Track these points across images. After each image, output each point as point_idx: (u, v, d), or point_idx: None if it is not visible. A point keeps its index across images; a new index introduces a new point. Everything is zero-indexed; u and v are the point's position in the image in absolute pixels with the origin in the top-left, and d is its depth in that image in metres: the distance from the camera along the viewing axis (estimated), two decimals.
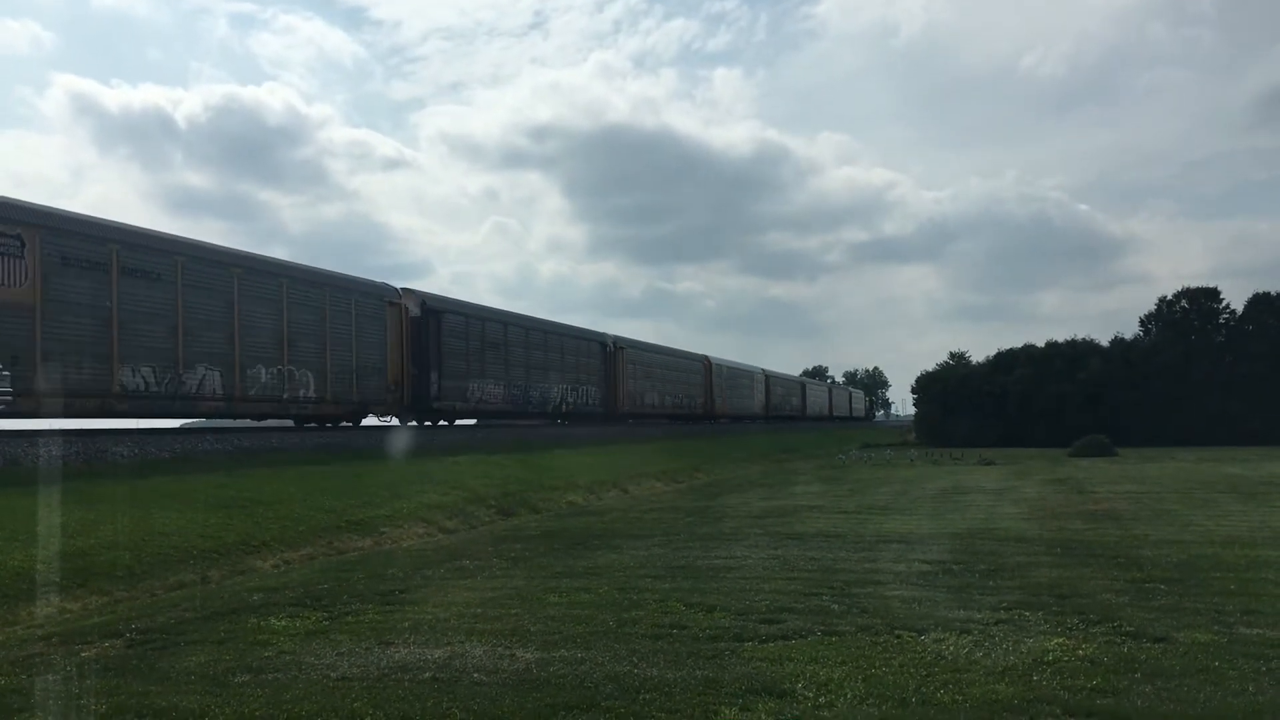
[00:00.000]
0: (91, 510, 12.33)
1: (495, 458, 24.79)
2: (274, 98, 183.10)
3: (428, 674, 6.24)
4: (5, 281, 15.98)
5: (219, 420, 23.45)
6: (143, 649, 7.15)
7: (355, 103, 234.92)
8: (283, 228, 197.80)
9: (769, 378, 69.33)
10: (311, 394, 23.02)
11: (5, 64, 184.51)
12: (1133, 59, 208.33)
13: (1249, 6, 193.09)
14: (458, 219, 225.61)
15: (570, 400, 38.02)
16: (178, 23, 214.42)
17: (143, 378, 18.45)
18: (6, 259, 16.05)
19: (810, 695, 5.62)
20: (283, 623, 7.96)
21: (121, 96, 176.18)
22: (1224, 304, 54.26)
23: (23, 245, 16.29)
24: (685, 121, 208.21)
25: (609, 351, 42.02)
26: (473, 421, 33.45)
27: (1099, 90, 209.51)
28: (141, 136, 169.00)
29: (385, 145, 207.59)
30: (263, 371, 21.39)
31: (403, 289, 27.77)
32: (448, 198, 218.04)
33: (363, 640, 7.24)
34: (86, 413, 17.99)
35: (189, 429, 24.45)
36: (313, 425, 24.88)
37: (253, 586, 9.98)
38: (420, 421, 29.41)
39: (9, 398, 15.92)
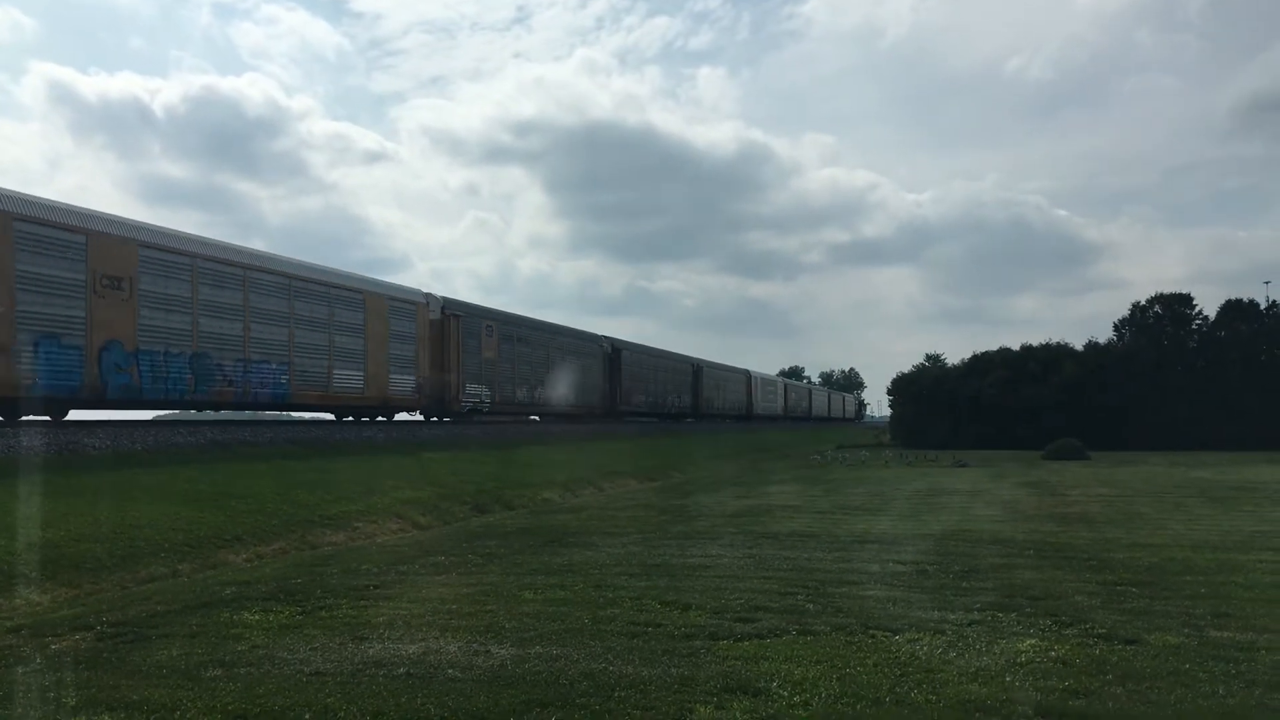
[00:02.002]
0: (62, 502, 12.21)
1: (470, 454, 24.73)
2: (254, 89, 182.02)
3: (402, 670, 6.21)
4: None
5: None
6: (114, 642, 7.08)
7: (336, 95, 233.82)
8: (261, 219, 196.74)
9: (761, 380, 74.70)
10: (357, 388, 26.36)
11: None
12: (1119, 64, 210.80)
13: (1235, 15, 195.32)
14: (438, 213, 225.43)
15: (575, 399, 40.82)
16: (160, 10, 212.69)
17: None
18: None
19: (785, 694, 5.63)
20: (256, 617, 7.90)
21: (99, 85, 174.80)
22: (1197, 310, 54.73)
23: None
24: (668, 120, 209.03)
25: (609, 354, 44.92)
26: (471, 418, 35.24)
27: (1084, 95, 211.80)
28: (119, 125, 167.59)
29: (366, 138, 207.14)
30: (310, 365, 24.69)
31: (425, 293, 30.09)
32: (428, 192, 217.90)
33: (336, 635, 7.20)
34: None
35: (161, 422, 24.23)
36: (349, 419, 27.83)
37: (225, 580, 9.90)
38: (440, 418, 31.61)
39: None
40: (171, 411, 26.40)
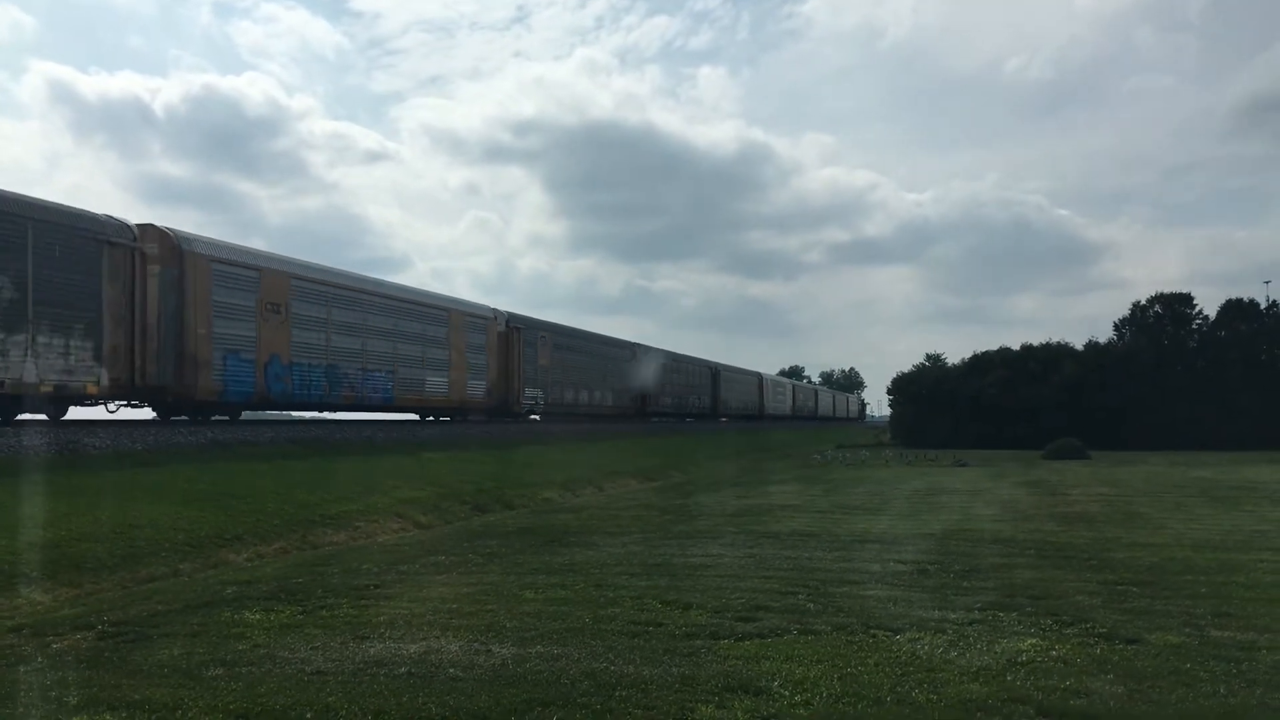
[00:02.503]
0: (63, 502, 12.21)
1: (470, 453, 24.75)
2: (254, 88, 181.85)
3: (403, 669, 6.21)
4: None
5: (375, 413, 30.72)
6: (115, 641, 7.08)
7: (336, 94, 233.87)
8: (261, 219, 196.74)
9: (772, 382, 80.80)
10: (443, 393, 31.04)
11: None
12: (1118, 64, 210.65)
13: (1235, 15, 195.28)
14: (438, 213, 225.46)
15: (613, 401, 45.64)
16: (160, 8, 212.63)
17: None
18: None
19: (786, 693, 5.63)
20: (257, 616, 7.91)
21: (99, 84, 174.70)
22: (1197, 309, 54.76)
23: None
24: (669, 119, 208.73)
25: (639, 359, 49.70)
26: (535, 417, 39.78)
27: (1083, 95, 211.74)
28: (119, 125, 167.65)
29: (366, 138, 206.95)
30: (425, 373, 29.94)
31: (493, 309, 34.76)
32: (428, 191, 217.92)
33: (337, 635, 7.20)
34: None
35: (161, 421, 24.30)
36: (430, 419, 32.57)
37: (226, 580, 9.90)
38: (504, 418, 35.62)
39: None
40: (300, 413, 29.89)
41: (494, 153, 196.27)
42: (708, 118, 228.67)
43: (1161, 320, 55.06)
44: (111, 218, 19.66)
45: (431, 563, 10.82)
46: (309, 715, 5.29)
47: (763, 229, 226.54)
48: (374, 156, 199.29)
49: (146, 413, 22.47)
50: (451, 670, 6.18)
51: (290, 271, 24.20)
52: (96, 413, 20.66)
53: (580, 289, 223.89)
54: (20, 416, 18.69)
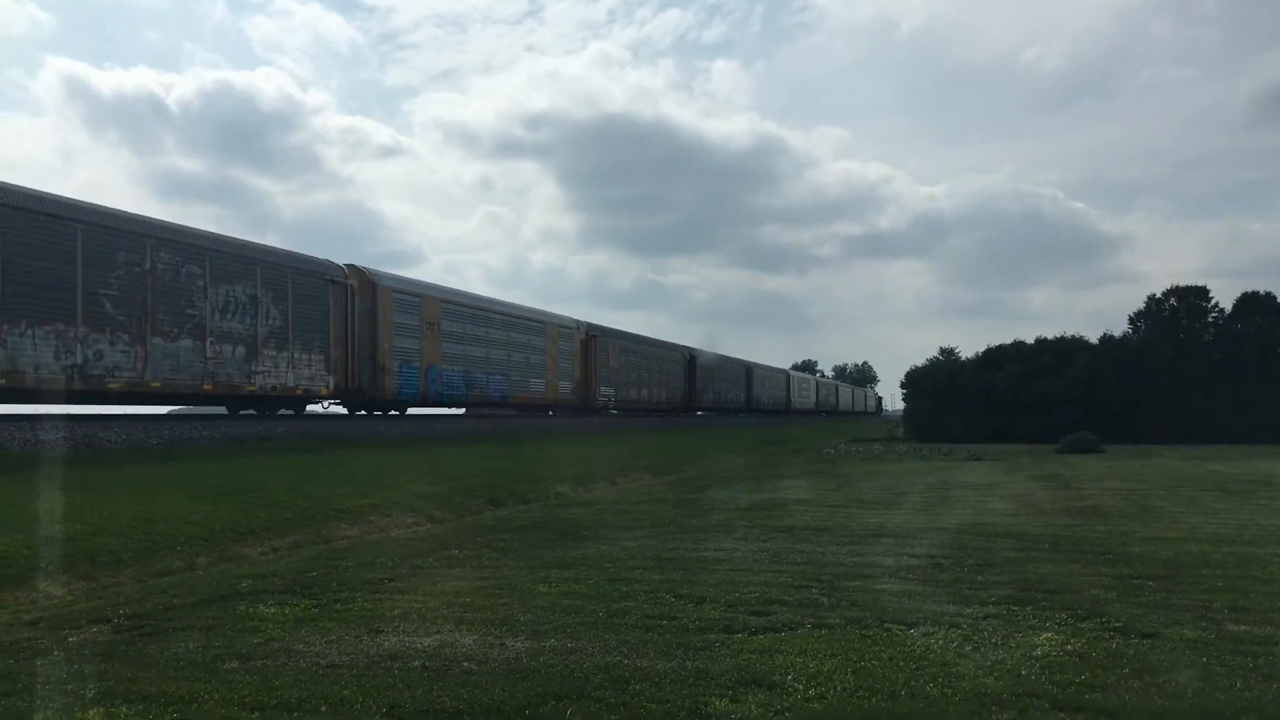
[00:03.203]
0: (79, 496, 12.28)
1: (482, 448, 24.81)
2: (268, 83, 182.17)
3: (417, 662, 6.23)
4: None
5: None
6: (131, 635, 7.12)
7: (350, 89, 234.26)
8: (275, 214, 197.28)
9: (798, 379, 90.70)
10: (541, 392, 38.50)
11: (1, 45, 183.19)
12: (1135, 56, 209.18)
13: (1252, 5, 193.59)
14: (451, 207, 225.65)
15: (665, 397, 53.32)
16: (176, 3, 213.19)
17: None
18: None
19: (800, 687, 5.62)
20: (272, 610, 7.93)
21: (114, 80, 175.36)
22: (1213, 303, 54.44)
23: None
24: (682, 113, 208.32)
25: (687, 360, 56.97)
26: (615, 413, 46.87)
27: (1099, 86, 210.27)
28: (133, 120, 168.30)
29: (380, 133, 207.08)
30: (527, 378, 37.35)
31: (576, 320, 42.47)
32: (441, 186, 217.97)
33: (352, 628, 7.22)
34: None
35: (176, 416, 24.62)
36: (515, 414, 38.77)
37: (241, 574, 9.94)
38: (584, 413, 42.32)
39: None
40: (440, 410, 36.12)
41: (507, 147, 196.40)
42: (721, 111, 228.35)
43: (1177, 313, 54.75)
44: (331, 262, 26.53)
45: (445, 557, 10.84)
46: (324, 708, 5.30)
47: (776, 223, 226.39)
48: (388, 151, 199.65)
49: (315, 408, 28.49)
50: (465, 664, 6.19)
51: (439, 296, 31.25)
52: (113, 408, 20.92)
53: (593, 283, 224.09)
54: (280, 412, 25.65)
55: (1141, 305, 56.50)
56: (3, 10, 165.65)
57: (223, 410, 25.20)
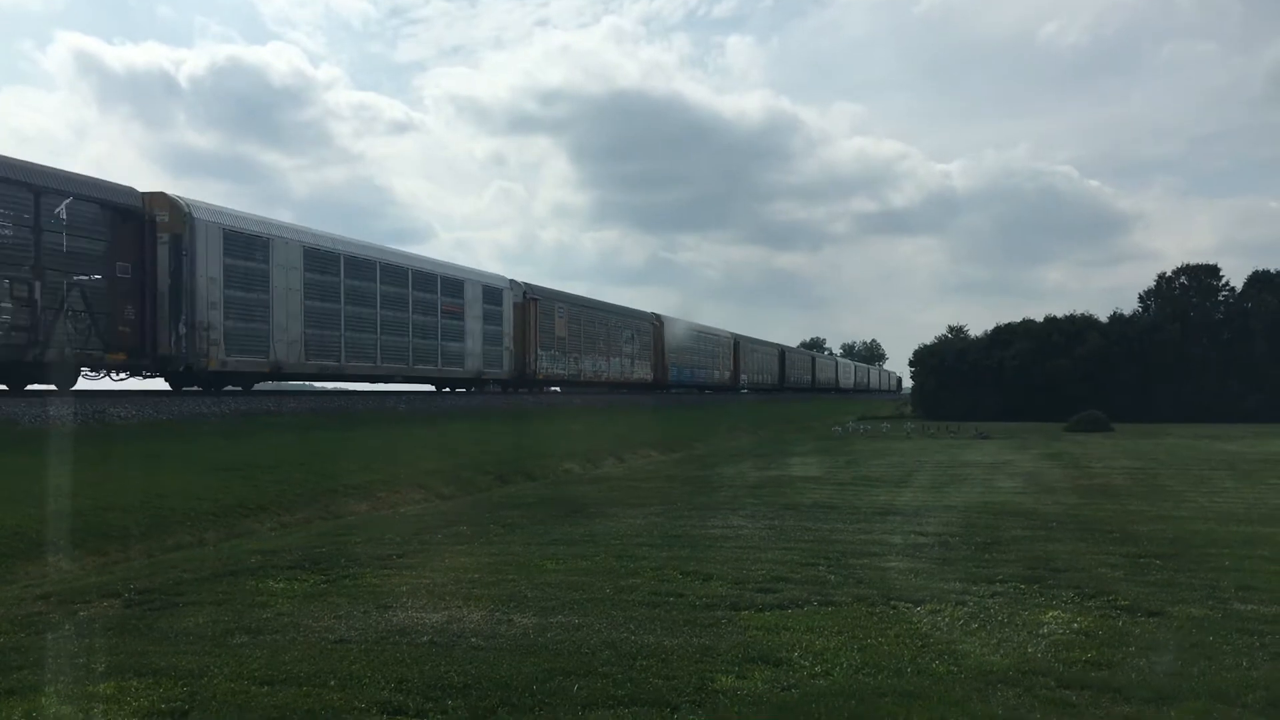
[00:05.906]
0: (90, 471, 12.34)
1: (491, 424, 24.85)
2: (279, 58, 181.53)
3: (425, 638, 6.26)
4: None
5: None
6: (141, 609, 7.17)
7: (361, 63, 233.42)
8: (287, 191, 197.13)
9: (822, 360, 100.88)
10: (619, 373, 45.94)
11: (11, 20, 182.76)
12: (1155, 30, 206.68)
13: None
14: (463, 183, 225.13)
15: (716, 379, 59.47)
16: None
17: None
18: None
19: (806, 664, 5.64)
20: (281, 585, 7.98)
21: (125, 54, 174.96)
22: (1224, 281, 54.23)
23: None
24: (696, 89, 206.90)
25: (735, 345, 62.33)
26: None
27: (1119, 62, 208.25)
28: (145, 95, 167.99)
29: (392, 108, 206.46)
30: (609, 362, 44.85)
31: (649, 312, 50.26)
32: (454, 162, 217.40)
33: (361, 603, 7.26)
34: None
35: (186, 392, 24.49)
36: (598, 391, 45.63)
37: (250, 549, 9.99)
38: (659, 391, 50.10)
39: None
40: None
41: (520, 122, 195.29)
42: (735, 87, 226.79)
43: (1187, 292, 54.57)
44: (504, 277, 35.08)
45: (453, 533, 10.88)
46: (333, 683, 5.34)
47: (789, 199, 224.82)
48: (400, 127, 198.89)
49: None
50: (473, 639, 6.23)
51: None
52: (124, 384, 20.88)
53: (604, 260, 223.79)
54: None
55: (1152, 284, 56.31)
56: None
57: None
